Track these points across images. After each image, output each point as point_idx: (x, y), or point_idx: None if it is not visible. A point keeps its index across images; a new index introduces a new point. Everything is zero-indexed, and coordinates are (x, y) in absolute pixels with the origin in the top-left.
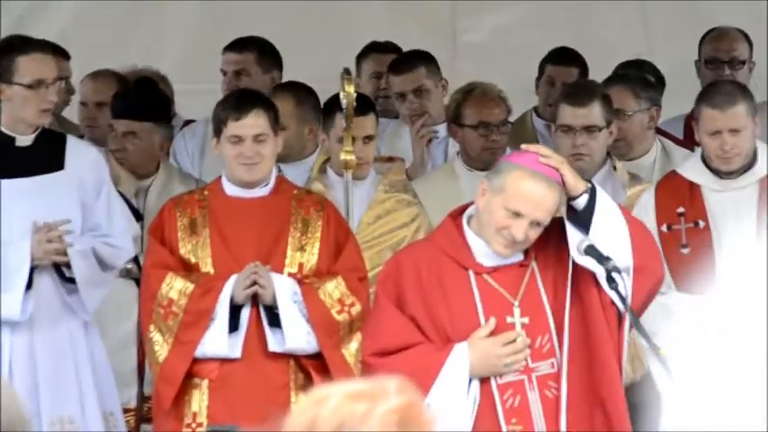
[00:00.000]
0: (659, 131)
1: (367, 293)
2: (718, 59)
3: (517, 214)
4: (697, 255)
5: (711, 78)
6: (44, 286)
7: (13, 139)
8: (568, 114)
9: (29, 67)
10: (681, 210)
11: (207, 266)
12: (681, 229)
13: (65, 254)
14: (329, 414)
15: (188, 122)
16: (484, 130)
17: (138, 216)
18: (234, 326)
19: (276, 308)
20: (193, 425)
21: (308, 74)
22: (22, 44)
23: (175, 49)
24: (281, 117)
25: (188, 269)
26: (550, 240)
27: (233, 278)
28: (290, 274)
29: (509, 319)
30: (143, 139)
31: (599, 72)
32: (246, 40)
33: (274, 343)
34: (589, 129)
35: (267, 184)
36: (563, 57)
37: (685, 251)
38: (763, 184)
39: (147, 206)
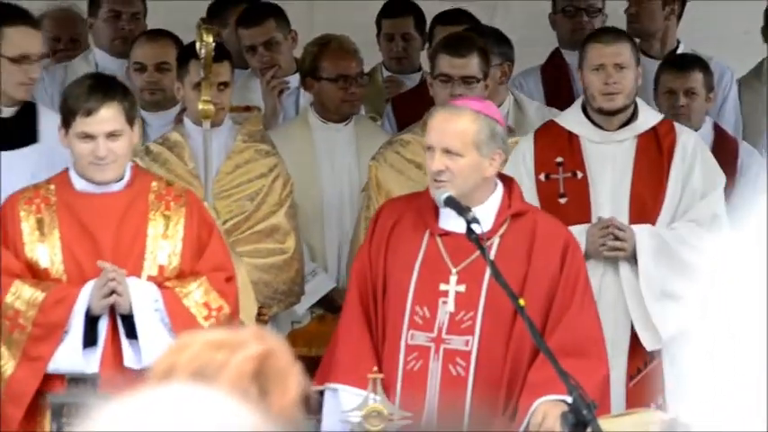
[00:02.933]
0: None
1: (235, 294)
2: (575, 6)
3: (430, 148)
4: (574, 204)
5: (569, 27)
6: None
7: None
8: (446, 64)
9: (15, 39)
10: (559, 159)
11: (58, 273)
12: (559, 179)
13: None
14: (187, 361)
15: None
16: (343, 82)
17: None
18: (91, 339)
19: (133, 318)
20: None
21: (160, 23)
22: (10, 15)
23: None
24: (166, 57)
25: (36, 275)
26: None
27: (89, 285)
28: (149, 278)
29: (442, 286)
30: None
31: None
32: None
33: (131, 358)
34: (467, 79)
35: (122, 179)
36: (395, 9)
37: (563, 201)
38: (640, 140)
39: None
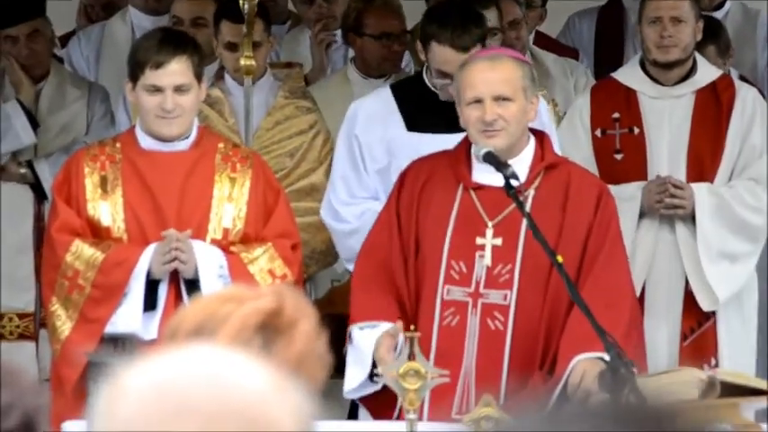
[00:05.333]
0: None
1: (299, 262)
2: None
3: (477, 101)
4: (630, 161)
5: None
6: None
7: None
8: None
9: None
10: (616, 115)
11: (119, 231)
12: (615, 135)
13: None
14: (193, 313)
15: None
16: (386, 40)
17: (35, 123)
18: (150, 304)
19: (199, 282)
20: None
21: None
22: None
23: None
24: (203, 13)
25: (97, 234)
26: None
27: (150, 249)
28: (213, 241)
29: (479, 240)
30: (45, 35)
31: None
32: None
33: None
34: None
35: (188, 137)
36: None
37: (619, 156)
38: (699, 96)
39: (40, 111)
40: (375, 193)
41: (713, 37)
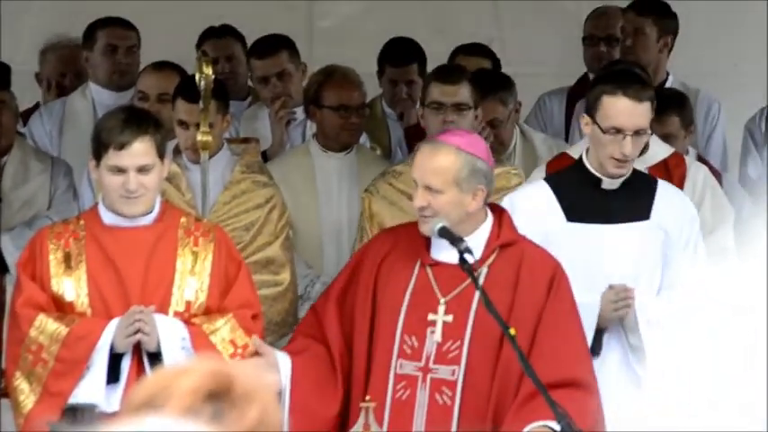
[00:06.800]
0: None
1: (261, 332)
2: (596, 36)
3: (415, 183)
4: None
5: (591, 54)
6: None
7: None
8: (438, 92)
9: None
10: None
11: (83, 306)
12: None
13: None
14: (146, 385)
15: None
16: (344, 111)
17: None
18: (114, 377)
19: (161, 355)
20: None
21: (159, 56)
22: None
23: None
24: (168, 89)
25: (61, 309)
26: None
27: (113, 323)
28: (176, 313)
29: (431, 316)
30: (11, 107)
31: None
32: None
33: None
34: (459, 106)
35: (151, 212)
36: (401, 58)
37: None
38: (651, 172)
39: (3, 186)
40: None
41: (678, 108)
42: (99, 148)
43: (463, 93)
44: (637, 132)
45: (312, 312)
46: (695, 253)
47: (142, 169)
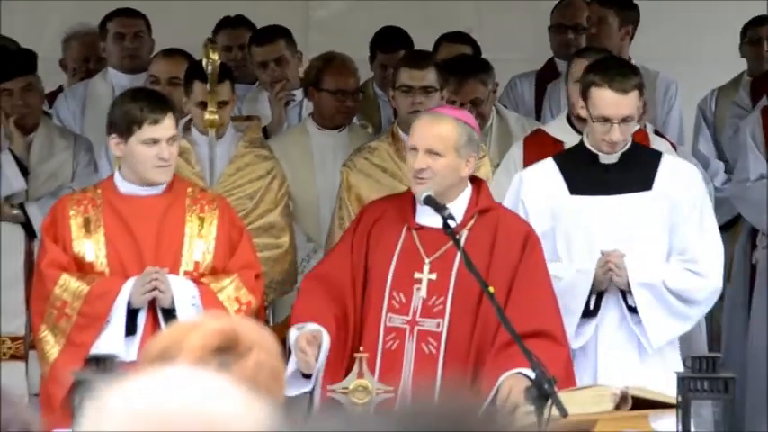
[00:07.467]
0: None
1: (261, 289)
2: (563, 25)
3: (413, 149)
4: None
5: (558, 41)
6: None
7: None
8: (407, 76)
9: None
10: None
11: (102, 266)
12: None
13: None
14: (160, 340)
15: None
16: (341, 95)
17: (25, 171)
18: (130, 329)
19: (174, 311)
20: None
21: (169, 44)
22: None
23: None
24: (178, 73)
25: (82, 268)
26: (508, 246)
27: (130, 281)
28: (186, 273)
29: (417, 274)
30: (38, 90)
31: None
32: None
33: None
34: (426, 89)
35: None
36: (390, 44)
37: None
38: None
39: (31, 160)
40: None
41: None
42: (130, 125)
43: (430, 77)
44: (624, 120)
45: (322, 282)
46: (701, 220)
47: (171, 139)
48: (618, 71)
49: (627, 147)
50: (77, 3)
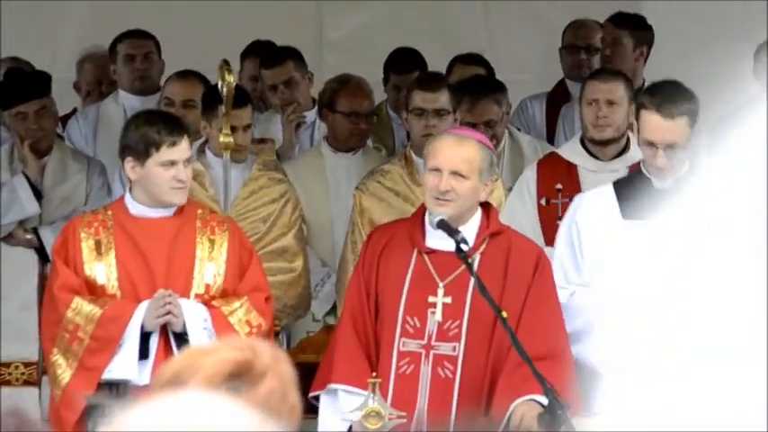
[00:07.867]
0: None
1: (272, 313)
2: (576, 45)
3: (436, 170)
4: None
5: (571, 62)
6: None
7: None
8: (420, 99)
9: None
10: (559, 186)
11: (113, 289)
12: (558, 203)
13: None
14: (172, 364)
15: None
16: (355, 118)
17: (39, 195)
18: (143, 353)
19: (186, 335)
20: None
21: (180, 65)
22: None
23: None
24: (193, 95)
25: (93, 291)
26: (521, 266)
27: (143, 305)
28: (196, 296)
29: (431, 298)
30: (52, 112)
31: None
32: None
33: None
34: (439, 112)
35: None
36: (404, 66)
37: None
38: (632, 170)
39: (45, 184)
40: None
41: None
42: (148, 147)
43: (442, 99)
44: (670, 146)
45: (355, 325)
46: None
47: (187, 161)
48: (668, 95)
49: (683, 172)
50: (91, 23)
